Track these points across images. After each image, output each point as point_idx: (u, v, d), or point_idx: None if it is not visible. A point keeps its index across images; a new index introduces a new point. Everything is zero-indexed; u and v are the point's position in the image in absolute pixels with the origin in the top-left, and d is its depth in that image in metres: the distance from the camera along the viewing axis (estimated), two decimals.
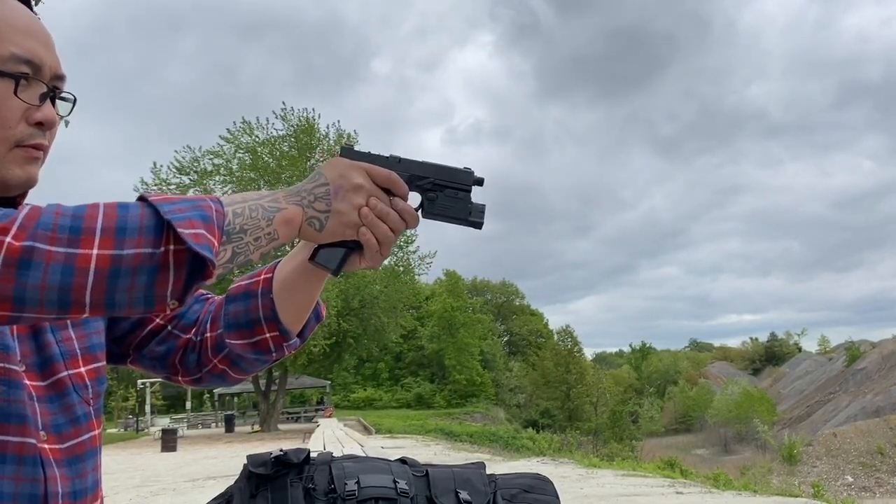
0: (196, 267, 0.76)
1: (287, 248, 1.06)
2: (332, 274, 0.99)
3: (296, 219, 0.90)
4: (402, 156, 0.99)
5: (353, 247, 0.96)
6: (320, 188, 0.92)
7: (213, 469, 16.27)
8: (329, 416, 39.95)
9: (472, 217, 0.99)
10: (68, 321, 0.99)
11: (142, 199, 0.77)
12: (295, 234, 0.91)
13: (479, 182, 1.00)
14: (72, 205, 0.75)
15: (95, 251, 0.72)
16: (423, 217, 0.99)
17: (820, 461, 40.09)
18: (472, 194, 0.99)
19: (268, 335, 1.04)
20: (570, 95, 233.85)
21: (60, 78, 0.95)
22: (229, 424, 37.97)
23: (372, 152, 0.98)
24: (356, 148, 0.99)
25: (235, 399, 51.02)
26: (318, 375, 44.69)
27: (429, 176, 0.99)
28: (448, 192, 0.99)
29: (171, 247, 0.75)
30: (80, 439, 0.95)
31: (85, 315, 0.75)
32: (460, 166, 1.00)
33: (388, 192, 0.95)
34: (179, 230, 0.74)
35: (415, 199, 0.99)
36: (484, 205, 0.99)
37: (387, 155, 0.98)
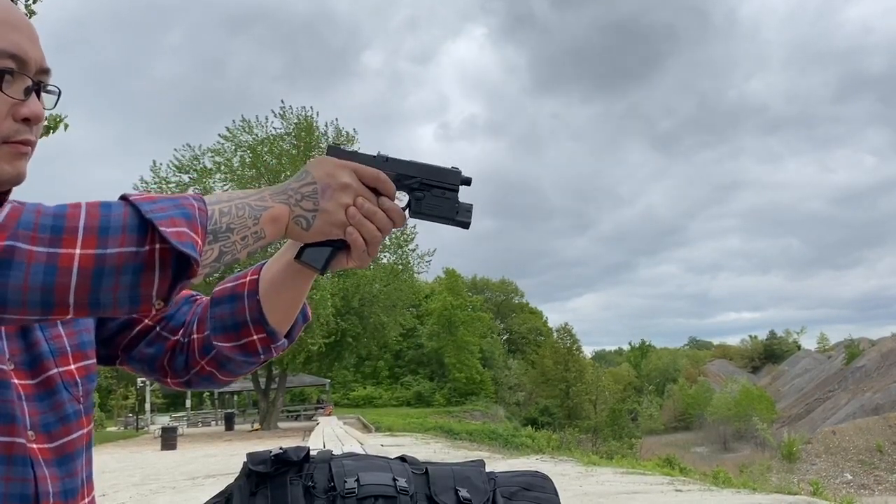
0: (181, 266, 0.75)
1: (270, 249, 1.05)
2: (318, 273, 0.99)
3: (283, 217, 0.89)
4: (393, 154, 0.99)
5: (339, 246, 0.96)
6: (307, 187, 0.91)
7: (213, 467, 16.27)
8: (329, 415, 40.02)
9: (459, 217, 0.99)
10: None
11: (123, 198, 0.77)
12: (282, 233, 0.90)
13: (467, 182, 0.99)
14: (54, 204, 0.74)
15: (78, 251, 0.71)
16: (411, 217, 0.99)
17: (819, 459, 40.15)
18: (459, 194, 0.99)
19: (255, 337, 1.03)
20: (566, 90, 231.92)
21: (45, 72, 0.94)
22: (229, 423, 38.00)
23: (359, 151, 0.98)
24: (353, 146, 0.99)
25: (235, 397, 51.03)
26: (318, 374, 44.66)
27: (416, 175, 0.98)
28: (435, 192, 0.98)
29: (157, 246, 0.74)
30: (70, 437, 0.94)
31: (69, 316, 0.74)
32: (448, 166, 1.00)
33: (375, 191, 0.95)
34: (161, 229, 0.73)
35: (402, 199, 0.99)
36: (471, 204, 0.99)
37: (374, 154, 0.98)
